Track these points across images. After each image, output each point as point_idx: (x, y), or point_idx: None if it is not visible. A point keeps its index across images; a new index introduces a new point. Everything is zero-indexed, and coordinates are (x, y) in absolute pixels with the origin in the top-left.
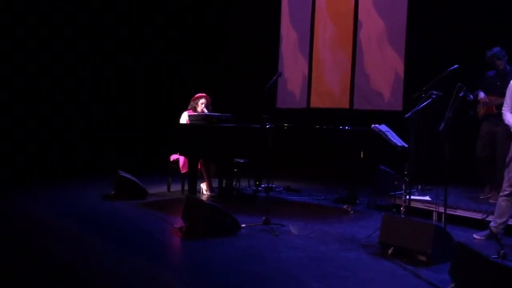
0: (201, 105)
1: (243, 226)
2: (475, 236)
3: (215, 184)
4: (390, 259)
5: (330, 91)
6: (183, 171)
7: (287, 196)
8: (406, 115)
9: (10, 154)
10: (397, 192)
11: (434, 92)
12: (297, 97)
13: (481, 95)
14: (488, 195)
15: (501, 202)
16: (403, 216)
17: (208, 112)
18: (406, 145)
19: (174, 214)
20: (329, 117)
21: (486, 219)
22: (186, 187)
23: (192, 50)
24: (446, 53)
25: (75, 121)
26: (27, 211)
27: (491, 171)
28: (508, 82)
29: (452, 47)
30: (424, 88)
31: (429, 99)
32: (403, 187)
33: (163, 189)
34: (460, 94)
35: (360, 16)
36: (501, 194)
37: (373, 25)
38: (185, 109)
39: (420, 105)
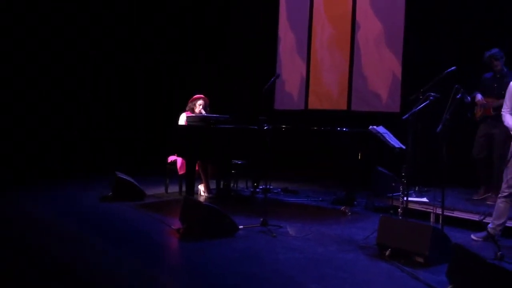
0: (199, 106)
1: (241, 228)
2: (472, 236)
3: (212, 185)
4: (387, 261)
5: (328, 93)
6: (181, 172)
7: (284, 197)
8: (404, 117)
9: (9, 154)
10: (394, 194)
11: (432, 93)
12: (295, 98)
13: (479, 97)
14: (482, 196)
15: (500, 203)
16: (400, 217)
17: (206, 113)
18: (403, 147)
19: (172, 216)
20: (327, 118)
21: (484, 220)
22: (183, 189)
23: (192, 50)
24: (444, 55)
25: (73, 121)
26: (25, 211)
27: (488, 173)
28: (505, 83)
29: (450, 48)
30: (421, 90)
31: (426, 101)
32: (401, 189)
33: (160, 190)
34: (458, 96)
35: (357, 18)
36: (499, 195)
37: (370, 26)
38: (183, 110)
39: (417, 106)
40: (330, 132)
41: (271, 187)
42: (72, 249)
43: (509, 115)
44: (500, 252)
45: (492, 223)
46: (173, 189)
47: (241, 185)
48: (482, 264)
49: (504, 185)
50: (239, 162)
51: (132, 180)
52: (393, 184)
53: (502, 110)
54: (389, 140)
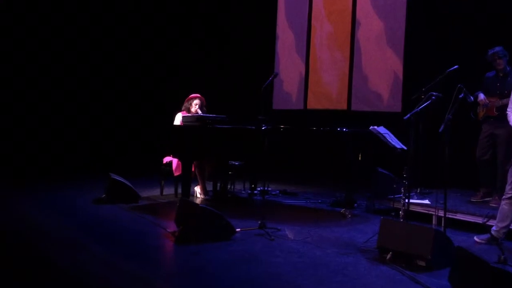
0: (195, 106)
1: (238, 231)
2: (476, 238)
3: (209, 187)
4: (388, 264)
5: (327, 92)
6: (176, 174)
7: (283, 199)
8: (405, 117)
9: (2, 155)
10: (395, 196)
11: (434, 93)
12: (294, 98)
13: (481, 96)
14: (481, 200)
15: (504, 205)
16: (402, 220)
17: (202, 113)
18: (405, 148)
19: (167, 218)
20: (326, 118)
21: (487, 223)
22: (179, 191)
23: (189, 49)
24: (447, 53)
25: (66, 121)
26: (17, 214)
27: (492, 175)
28: (508, 83)
29: (453, 47)
30: (423, 89)
31: (428, 101)
32: (402, 191)
33: (155, 192)
34: (460, 96)
35: (358, 16)
36: (503, 197)
37: (371, 24)
38: (179, 110)
39: (419, 106)
40: (329, 132)
41: (269, 188)
42: (65, 252)
43: None
44: (503, 256)
45: (496, 225)
46: (169, 191)
47: (239, 186)
48: (485, 267)
49: (508, 187)
50: (236, 163)
51: (126, 182)
52: (394, 186)
53: (508, 109)
54: (390, 141)
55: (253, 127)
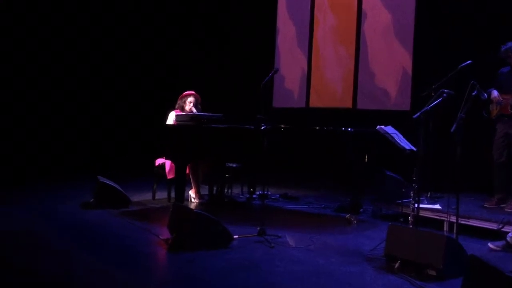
0: (189, 103)
1: (236, 237)
2: (490, 245)
3: (204, 191)
4: (396, 274)
5: (331, 89)
6: (170, 176)
7: (284, 204)
8: (415, 116)
9: None
10: (404, 200)
11: (445, 90)
12: (295, 95)
13: (494, 93)
14: (495, 206)
15: None
16: (411, 226)
17: (197, 111)
18: (414, 149)
19: (160, 224)
20: (330, 117)
21: (502, 229)
22: (172, 195)
23: (183, 44)
24: (459, 48)
25: (51, 121)
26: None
27: (508, 179)
28: None
29: (465, 41)
30: (434, 86)
31: (439, 98)
32: (411, 195)
33: (147, 196)
34: (473, 93)
35: (364, 7)
36: None
37: (378, 16)
38: (172, 108)
39: (429, 104)
40: (333, 132)
41: (269, 192)
42: (52, 261)
43: None
44: None
45: None
46: (161, 195)
47: (236, 190)
48: (501, 277)
49: None
50: (233, 165)
51: (115, 186)
52: (403, 190)
53: None
54: (399, 141)
55: (252, 127)
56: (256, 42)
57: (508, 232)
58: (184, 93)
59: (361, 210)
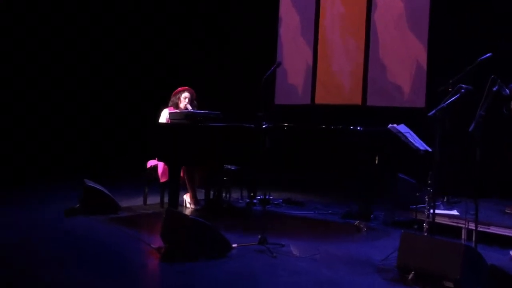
0: (184, 100)
1: (235, 246)
2: None
3: (200, 195)
4: (410, 286)
5: (339, 85)
6: (163, 180)
7: (287, 210)
8: (430, 113)
9: None
10: (418, 206)
11: (463, 86)
12: (299, 91)
13: None
14: None
15: None
16: (426, 234)
17: (193, 108)
18: (429, 149)
19: (152, 232)
20: (338, 115)
21: None
22: (166, 200)
23: (178, 35)
24: (478, 39)
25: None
26: None
27: None
28: None
29: (486, 31)
30: (451, 81)
31: (457, 94)
32: (426, 200)
33: (138, 201)
34: (494, 88)
35: None
36: None
37: (390, 4)
38: (165, 105)
39: (446, 101)
40: (341, 132)
41: (271, 197)
42: (33, 273)
43: None
44: None
45: None
46: (153, 200)
47: (235, 195)
48: None
49: None
50: (232, 168)
51: (103, 190)
52: (417, 194)
53: None
54: (413, 141)
55: (252, 126)
56: (257, 34)
57: None
58: (178, 89)
59: (372, 216)
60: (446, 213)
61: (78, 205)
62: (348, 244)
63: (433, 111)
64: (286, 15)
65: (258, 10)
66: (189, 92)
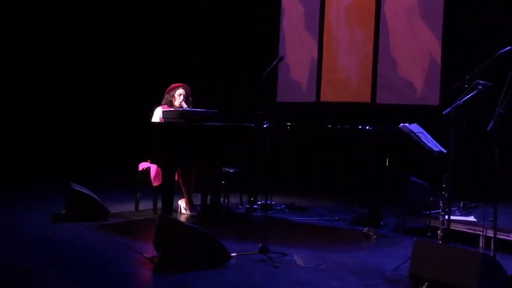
0: (178, 97)
1: (234, 255)
2: None
3: (197, 200)
4: None
5: (346, 80)
6: (155, 183)
7: (290, 216)
8: (445, 112)
9: None
10: (432, 211)
11: (481, 81)
12: (303, 88)
13: None
14: None
15: None
16: (440, 242)
17: (188, 106)
18: (444, 150)
19: (144, 240)
20: (345, 113)
21: None
22: (159, 205)
23: (170, 28)
24: (497, 31)
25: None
26: None
27: None
28: None
29: (505, 23)
30: (467, 77)
31: (474, 91)
32: (441, 205)
33: (129, 207)
34: None
35: None
36: None
37: None
38: (159, 103)
39: (462, 98)
40: (348, 131)
41: (273, 202)
42: (17, 285)
43: None
44: None
45: None
46: (146, 205)
47: (234, 200)
48: None
49: None
50: (231, 170)
51: (92, 194)
52: (431, 199)
53: None
54: (426, 142)
55: (252, 125)
56: (258, 26)
57: None
58: (172, 85)
59: (382, 223)
60: (462, 219)
61: (64, 211)
62: (356, 253)
63: (448, 109)
64: (289, 6)
65: (259, 0)
66: (184, 89)
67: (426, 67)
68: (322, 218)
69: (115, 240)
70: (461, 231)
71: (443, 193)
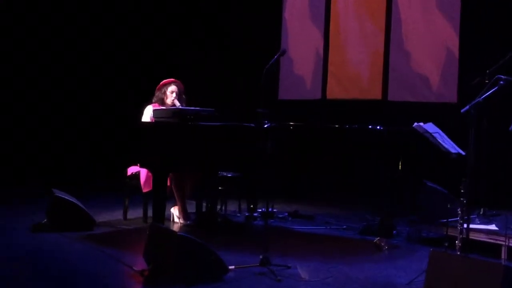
0: (171, 94)
1: (232, 268)
2: None
3: (191, 208)
4: None
5: (355, 76)
6: (146, 190)
7: (293, 225)
8: (463, 110)
9: None
10: (450, 219)
11: (502, 77)
12: (308, 84)
13: None
14: None
15: None
16: (459, 253)
17: (182, 104)
18: (462, 152)
19: (133, 252)
20: (354, 112)
21: None
22: (149, 213)
23: (164, 21)
24: None
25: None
26: None
27: None
28: None
29: None
30: (488, 71)
31: (495, 87)
32: (459, 212)
33: (117, 215)
34: None
35: None
36: None
37: None
38: (149, 102)
39: (482, 95)
40: (357, 131)
41: (275, 210)
42: None
43: None
44: None
45: None
46: (135, 213)
47: (232, 207)
48: None
49: None
50: (228, 175)
51: (76, 202)
52: (448, 206)
53: None
54: (442, 143)
55: (252, 125)
56: (258, 16)
57: None
58: (163, 81)
59: (394, 232)
60: (482, 228)
61: (45, 220)
62: (366, 265)
63: (467, 107)
64: None
65: None
66: (177, 85)
67: (443, 61)
68: (328, 227)
69: (101, 252)
70: (481, 241)
71: (461, 199)
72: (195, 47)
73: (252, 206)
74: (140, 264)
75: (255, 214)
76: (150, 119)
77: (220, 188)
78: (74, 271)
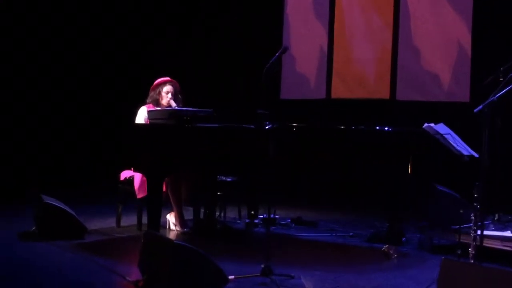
0: (166, 95)
1: (231, 278)
2: None
3: (188, 215)
4: None
5: (361, 74)
6: (140, 195)
7: (297, 232)
8: (476, 109)
9: None
10: (463, 226)
11: None
12: (312, 83)
13: None
14: None
15: None
16: (472, 261)
17: (178, 105)
18: (476, 154)
19: (127, 261)
20: (360, 112)
21: None
22: (144, 220)
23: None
24: None
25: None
26: None
27: None
28: None
29: None
30: (502, 69)
31: (509, 85)
32: (472, 218)
33: (110, 223)
34: None
35: None
36: None
37: None
38: (143, 102)
39: (496, 94)
40: (364, 133)
41: (277, 216)
42: None
43: None
44: None
45: None
46: (129, 220)
47: (232, 213)
48: None
49: None
50: (228, 179)
51: (66, 208)
52: (461, 211)
53: None
54: (454, 145)
55: (252, 126)
56: (259, 11)
57: None
58: (157, 81)
59: (403, 239)
60: (497, 234)
61: (34, 228)
62: (374, 275)
63: (480, 107)
64: None
65: None
66: (172, 85)
67: (454, 58)
68: (334, 234)
69: (93, 261)
70: (496, 249)
71: (475, 204)
72: (195, 47)
73: (252, 212)
74: (134, 274)
75: (256, 221)
76: (145, 120)
77: (219, 193)
78: (63, 281)
